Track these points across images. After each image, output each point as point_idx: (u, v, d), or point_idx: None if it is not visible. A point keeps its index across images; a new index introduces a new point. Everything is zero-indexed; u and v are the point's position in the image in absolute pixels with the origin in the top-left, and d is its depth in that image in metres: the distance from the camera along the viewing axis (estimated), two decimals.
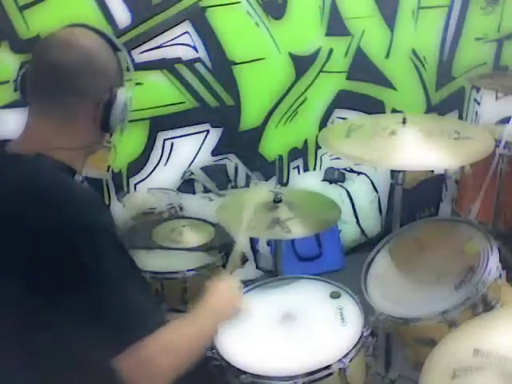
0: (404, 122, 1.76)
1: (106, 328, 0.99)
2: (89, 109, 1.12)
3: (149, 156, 2.62)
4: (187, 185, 2.70)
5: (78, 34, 1.13)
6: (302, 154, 2.92)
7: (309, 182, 2.94)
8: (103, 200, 1.14)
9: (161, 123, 2.58)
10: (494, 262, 1.47)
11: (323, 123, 2.88)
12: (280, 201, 1.80)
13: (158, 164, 2.65)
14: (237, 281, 1.38)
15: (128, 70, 1.22)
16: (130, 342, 0.98)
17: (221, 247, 1.86)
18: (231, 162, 2.77)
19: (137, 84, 2.41)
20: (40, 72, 1.11)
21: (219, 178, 2.75)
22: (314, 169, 2.97)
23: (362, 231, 3.15)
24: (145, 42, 2.44)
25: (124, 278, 1.03)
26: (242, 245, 1.55)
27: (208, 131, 2.68)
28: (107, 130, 1.16)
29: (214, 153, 2.73)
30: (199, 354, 1.13)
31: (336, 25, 2.72)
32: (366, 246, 3.11)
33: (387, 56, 2.88)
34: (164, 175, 2.67)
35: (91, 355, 0.99)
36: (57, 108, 1.10)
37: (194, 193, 2.72)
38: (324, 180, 2.98)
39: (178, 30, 2.48)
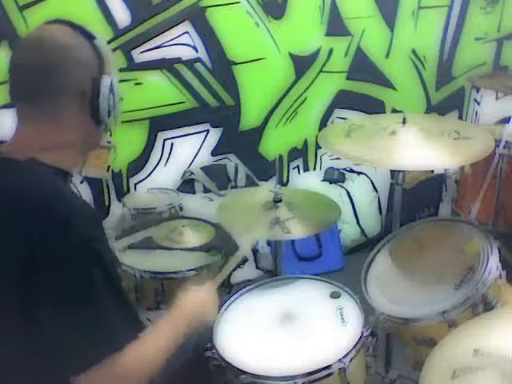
0: (404, 122, 1.76)
1: (66, 343, 0.98)
2: (72, 103, 1.08)
3: (149, 156, 2.62)
4: (187, 185, 2.70)
5: (46, 29, 1.09)
6: (301, 154, 2.92)
7: (309, 182, 2.94)
8: (93, 210, 1.11)
9: (161, 123, 2.58)
10: (494, 262, 1.47)
11: (323, 123, 2.88)
12: (280, 201, 1.80)
13: (158, 164, 2.65)
14: (214, 295, 1.35)
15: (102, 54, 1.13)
16: (94, 360, 0.98)
17: (221, 247, 1.86)
18: (231, 162, 2.77)
19: (137, 84, 2.42)
20: (16, 75, 1.09)
21: (219, 178, 2.75)
22: (314, 169, 2.97)
23: (362, 231, 3.15)
24: (145, 42, 2.44)
25: (97, 294, 1.00)
26: (244, 251, 1.55)
27: (208, 131, 2.68)
28: (99, 120, 1.12)
29: (214, 153, 2.73)
30: (162, 364, 1.11)
31: (336, 25, 2.73)
32: (366, 246, 3.11)
33: (387, 56, 2.88)
34: (164, 175, 2.67)
35: (55, 366, 0.99)
36: (40, 109, 1.07)
37: (194, 193, 2.72)
38: (324, 180, 2.98)
39: (177, 30, 2.48)
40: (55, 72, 1.06)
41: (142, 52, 2.44)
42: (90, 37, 1.11)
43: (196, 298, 1.29)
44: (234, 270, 1.63)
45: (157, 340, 1.12)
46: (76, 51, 1.08)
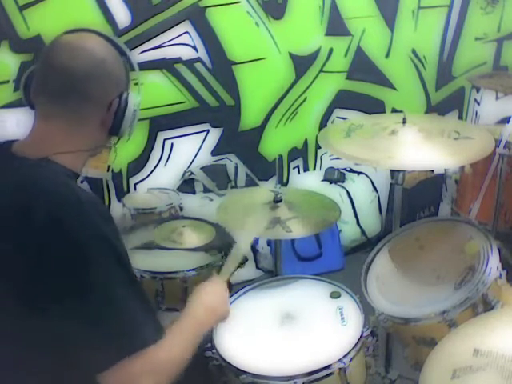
0: (404, 122, 1.76)
1: (94, 340, 0.98)
2: (98, 113, 1.13)
3: (149, 156, 2.63)
4: (187, 185, 2.70)
5: (86, 38, 1.13)
6: (301, 154, 2.92)
7: (309, 182, 2.95)
8: (107, 208, 1.13)
9: (161, 123, 2.58)
10: (494, 262, 1.46)
11: (323, 123, 2.88)
12: (280, 201, 1.80)
13: (158, 164, 2.66)
14: (224, 287, 1.38)
15: (134, 70, 1.22)
16: (118, 357, 0.98)
17: (221, 247, 1.86)
18: (231, 162, 2.77)
19: (136, 84, 2.41)
20: (49, 77, 1.10)
21: (219, 178, 2.75)
22: (314, 169, 2.97)
23: (362, 231, 3.14)
24: (145, 42, 2.44)
25: (118, 290, 1.01)
26: (242, 248, 1.55)
27: (208, 131, 2.69)
28: (116, 134, 1.17)
29: (214, 153, 2.73)
30: (185, 363, 1.11)
31: (336, 25, 2.73)
32: (366, 245, 3.11)
33: (387, 56, 2.89)
34: (164, 175, 2.67)
35: (78, 366, 0.99)
36: (66, 112, 1.10)
37: (194, 193, 2.72)
38: (324, 180, 2.98)
39: (178, 30, 2.48)
40: (92, 79, 1.10)
41: (142, 52, 2.44)
42: (122, 53, 1.17)
43: (209, 295, 1.31)
44: (236, 269, 1.63)
45: (183, 337, 1.13)
46: (112, 65, 1.13)
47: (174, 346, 1.08)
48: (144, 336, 1.02)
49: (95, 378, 0.99)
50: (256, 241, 2.85)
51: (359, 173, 3.04)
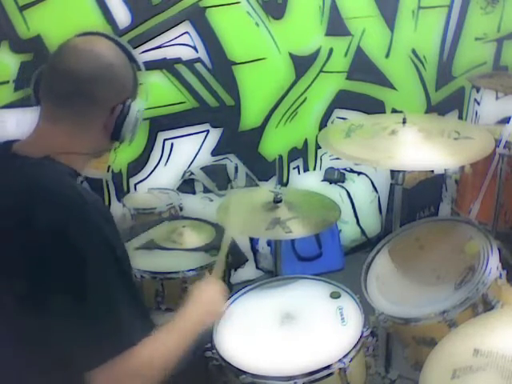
0: (404, 122, 1.76)
1: (84, 338, 0.99)
2: (102, 117, 1.13)
3: (149, 156, 2.63)
4: (187, 185, 2.70)
5: (94, 42, 1.13)
6: (301, 154, 2.92)
7: (309, 182, 2.95)
8: (108, 208, 1.13)
9: (161, 123, 2.58)
10: (494, 262, 1.46)
11: (323, 123, 2.88)
12: (280, 201, 1.80)
13: (158, 164, 2.65)
14: (220, 285, 1.38)
15: (140, 69, 1.22)
16: (107, 356, 0.99)
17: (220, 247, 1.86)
18: (231, 162, 2.77)
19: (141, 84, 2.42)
20: (55, 79, 1.11)
21: (219, 178, 2.75)
22: (314, 169, 2.97)
23: (362, 231, 3.14)
24: (145, 42, 2.44)
25: (113, 290, 1.02)
26: (229, 239, 1.55)
27: (208, 131, 2.69)
28: (117, 138, 1.17)
29: (214, 153, 2.73)
30: (176, 362, 1.12)
31: (336, 25, 2.73)
32: (366, 245, 3.11)
33: (387, 56, 2.89)
34: (164, 175, 2.67)
35: (69, 362, 0.99)
36: (72, 115, 1.10)
37: (194, 193, 2.72)
38: (324, 180, 2.98)
39: (178, 30, 2.48)
40: (98, 82, 1.10)
41: (142, 52, 2.44)
42: (131, 59, 1.17)
43: (204, 295, 1.31)
44: (235, 269, 1.63)
45: (171, 338, 1.13)
46: (119, 69, 1.13)
47: (161, 345, 1.09)
48: (133, 336, 1.02)
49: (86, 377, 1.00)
50: (256, 241, 2.85)
51: (359, 173, 3.04)
